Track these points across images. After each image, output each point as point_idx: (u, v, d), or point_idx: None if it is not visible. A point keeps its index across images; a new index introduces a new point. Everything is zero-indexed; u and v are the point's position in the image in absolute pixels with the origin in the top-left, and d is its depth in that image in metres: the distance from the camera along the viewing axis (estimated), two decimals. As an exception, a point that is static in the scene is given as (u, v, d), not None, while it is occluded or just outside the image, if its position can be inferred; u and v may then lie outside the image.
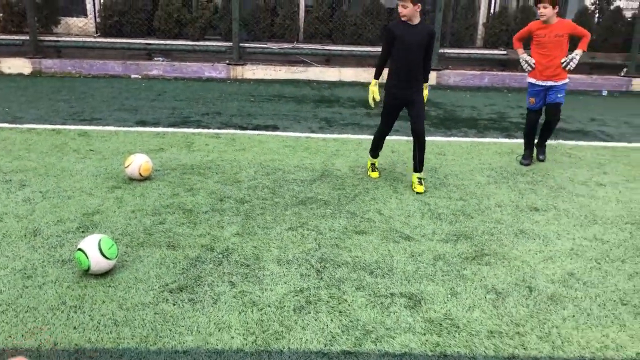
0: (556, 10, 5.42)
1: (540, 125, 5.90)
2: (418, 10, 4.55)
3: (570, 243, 3.93)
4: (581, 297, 3.21)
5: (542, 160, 5.92)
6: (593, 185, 5.19)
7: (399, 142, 6.39)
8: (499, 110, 8.68)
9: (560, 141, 6.78)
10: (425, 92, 4.92)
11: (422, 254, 3.69)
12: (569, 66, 5.43)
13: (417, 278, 3.36)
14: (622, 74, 11.10)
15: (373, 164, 5.31)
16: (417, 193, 4.76)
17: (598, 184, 5.21)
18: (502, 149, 6.38)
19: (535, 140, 5.95)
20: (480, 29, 12.35)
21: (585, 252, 3.79)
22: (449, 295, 3.18)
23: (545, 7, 5.36)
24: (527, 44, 5.69)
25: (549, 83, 5.55)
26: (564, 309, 3.08)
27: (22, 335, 2.69)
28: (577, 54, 5.44)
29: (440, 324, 2.90)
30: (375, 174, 5.22)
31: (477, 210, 4.47)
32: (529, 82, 5.71)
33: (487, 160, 5.87)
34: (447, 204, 4.59)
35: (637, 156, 6.24)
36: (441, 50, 11.14)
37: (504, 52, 11.43)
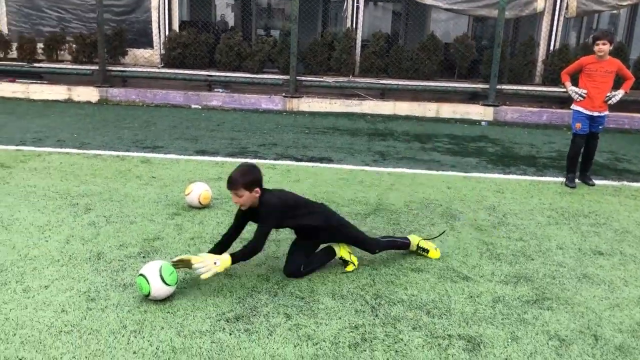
0: (611, 48, 6.06)
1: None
2: (257, 195, 3.65)
3: (638, 291, 3.75)
4: (652, 350, 3.04)
5: (593, 185, 6.33)
6: (662, 230, 4.96)
7: (455, 178, 6.32)
8: (558, 148, 8.46)
9: (625, 182, 6.54)
10: None
11: (481, 295, 3.59)
12: (610, 101, 6.07)
13: (476, 320, 3.27)
14: (691, 114, 10.68)
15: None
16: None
17: (667, 229, 4.97)
18: (563, 189, 6.20)
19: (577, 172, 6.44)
20: (540, 66, 12.17)
21: (655, 301, 3.60)
22: (509, 340, 3.08)
23: (605, 44, 5.98)
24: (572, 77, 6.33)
25: (594, 113, 6.15)
26: (633, 361, 2.93)
27: (86, 357, 2.77)
28: (620, 93, 6.10)
29: (501, 370, 2.80)
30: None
31: (537, 252, 4.34)
32: (575, 110, 6.29)
33: (547, 200, 5.71)
34: (507, 244, 4.48)
35: None
36: (499, 87, 11.02)
37: (564, 90, 11.18)
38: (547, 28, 12.19)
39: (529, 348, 3.01)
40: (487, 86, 11.09)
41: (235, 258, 3.49)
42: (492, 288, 3.69)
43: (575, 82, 6.30)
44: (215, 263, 3.40)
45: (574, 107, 6.32)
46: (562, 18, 12.15)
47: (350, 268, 3.90)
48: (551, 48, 12.26)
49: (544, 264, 4.11)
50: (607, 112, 6.24)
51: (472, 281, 3.78)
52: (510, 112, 10.93)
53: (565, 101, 11.33)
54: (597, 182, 6.52)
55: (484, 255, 4.24)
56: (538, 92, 11.43)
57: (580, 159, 6.42)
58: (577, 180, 6.37)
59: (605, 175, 6.89)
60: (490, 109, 10.90)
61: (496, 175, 6.60)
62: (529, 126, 10.47)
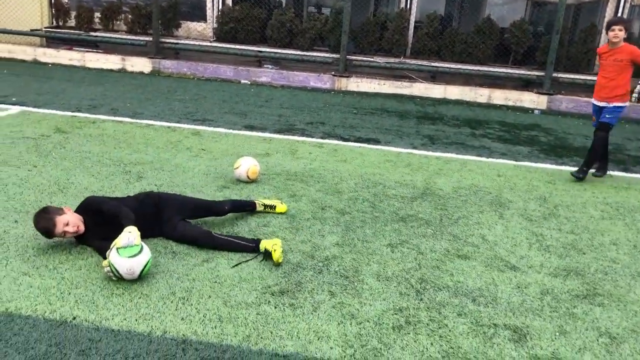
0: (625, 35, 5.61)
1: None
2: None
3: (696, 293, 3.60)
4: None
5: (600, 176, 5.96)
6: None
7: (506, 166, 6.17)
8: (615, 141, 8.14)
9: (686, 180, 6.25)
10: None
11: (529, 286, 3.52)
12: (634, 98, 5.62)
13: (523, 311, 3.21)
14: None
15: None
16: None
17: None
18: (619, 182, 5.98)
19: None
20: (599, 54, 11.69)
21: None
22: (557, 333, 3.01)
23: (620, 30, 5.55)
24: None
25: (602, 104, 5.79)
26: (688, 365, 2.82)
27: (136, 320, 2.85)
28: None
29: (548, 363, 2.75)
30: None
31: (589, 246, 4.21)
32: (592, 102, 6.03)
33: (601, 194, 5.52)
34: (557, 236, 4.36)
35: None
36: (555, 74, 10.66)
37: (625, 80, 10.72)
38: (611, 15, 11.66)
39: (577, 343, 2.94)
40: (542, 74, 10.73)
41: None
42: (541, 280, 3.61)
43: None
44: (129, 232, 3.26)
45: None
46: (628, 4, 11.60)
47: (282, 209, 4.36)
48: (613, 36, 11.71)
49: (596, 259, 3.99)
50: (620, 104, 5.70)
51: (520, 271, 3.71)
52: (566, 102, 10.57)
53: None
54: (655, 178, 6.26)
55: (533, 246, 4.14)
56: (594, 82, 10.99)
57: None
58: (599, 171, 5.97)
59: (664, 171, 6.61)
60: (545, 98, 10.56)
61: (548, 166, 6.42)
62: (585, 117, 10.09)
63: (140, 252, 3.19)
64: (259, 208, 4.34)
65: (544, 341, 2.93)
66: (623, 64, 5.60)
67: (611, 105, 5.72)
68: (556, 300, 3.37)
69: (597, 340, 2.98)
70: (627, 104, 5.80)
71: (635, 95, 5.62)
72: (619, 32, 5.54)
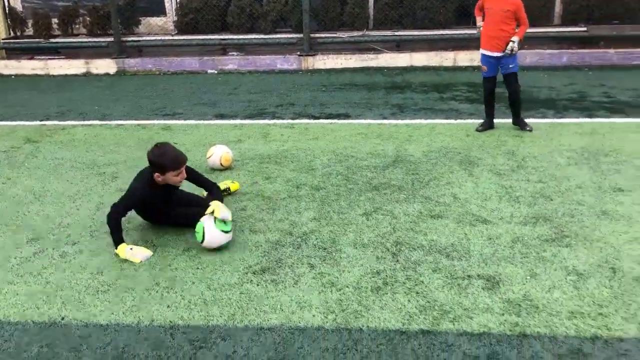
0: None
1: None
2: None
3: (658, 224, 3.77)
4: (670, 279, 3.10)
5: (530, 131, 6.03)
6: (684, 164, 4.92)
7: (474, 125, 6.30)
8: (580, 89, 8.32)
9: (648, 119, 6.44)
10: None
11: (500, 236, 3.66)
12: (511, 53, 5.79)
13: (495, 260, 3.36)
14: None
15: None
16: None
17: (690, 163, 4.93)
18: (583, 129, 6.14)
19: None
20: (558, 6, 11.82)
21: (674, 233, 3.63)
22: (528, 277, 3.16)
23: None
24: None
25: (496, 54, 5.84)
26: (651, 291, 2.99)
27: (123, 313, 2.94)
28: (515, 40, 5.73)
29: (519, 305, 2.89)
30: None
31: (556, 192, 4.37)
32: (480, 53, 6.03)
33: (566, 141, 5.68)
34: (526, 186, 4.51)
35: None
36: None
37: (584, 29, 10.90)
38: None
39: (547, 283, 3.09)
40: (504, 30, 10.83)
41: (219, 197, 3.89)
42: (511, 229, 3.76)
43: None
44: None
45: (480, 50, 6.00)
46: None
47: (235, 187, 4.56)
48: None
49: (563, 204, 4.15)
50: (504, 52, 5.79)
51: (491, 224, 3.85)
52: (530, 56, 10.70)
53: (585, 41, 11.07)
54: (619, 120, 6.44)
55: (503, 198, 4.29)
56: (557, 33, 11.15)
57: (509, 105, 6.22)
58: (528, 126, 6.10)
59: (628, 113, 6.78)
60: (509, 54, 10.69)
61: (515, 120, 6.55)
62: (549, 69, 10.26)
63: (230, 230, 3.56)
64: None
65: (516, 286, 3.08)
66: (509, 15, 5.69)
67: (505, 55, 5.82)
68: (526, 247, 3.52)
69: (565, 278, 3.14)
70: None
71: (509, 48, 5.69)
72: None
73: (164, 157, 3.61)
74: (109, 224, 3.61)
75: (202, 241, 3.51)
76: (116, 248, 3.55)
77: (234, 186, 4.57)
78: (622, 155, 5.20)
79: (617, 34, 10.75)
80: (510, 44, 5.75)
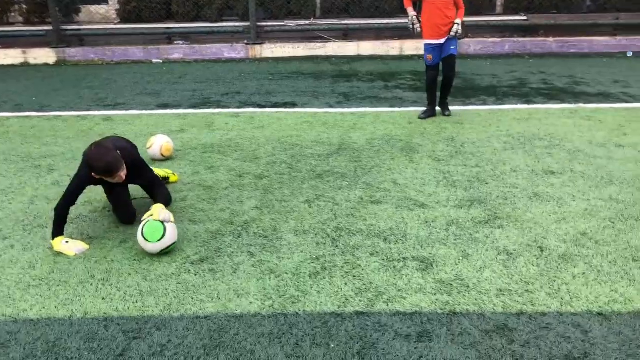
0: None
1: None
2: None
3: (584, 204, 3.95)
4: (592, 255, 3.25)
5: (449, 115, 6.31)
6: (612, 146, 5.15)
7: (417, 113, 6.41)
8: (520, 76, 8.58)
9: (581, 104, 6.70)
10: None
11: (436, 220, 3.76)
12: (456, 35, 5.92)
13: (430, 243, 3.44)
14: (649, 34, 10.79)
15: None
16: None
17: (617, 146, 5.17)
18: (521, 115, 6.35)
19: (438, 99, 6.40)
20: (501, -5, 12.12)
21: (599, 212, 3.81)
22: (461, 258, 3.26)
23: None
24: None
25: (441, 40, 5.97)
26: (574, 267, 3.13)
27: (55, 307, 2.88)
28: (458, 22, 5.89)
29: (451, 285, 2.98)
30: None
31: (492, 176, 4.51)
32: (425, 43, 6.09)
33: (505, 127, 5.86)
34: (463, 171, 4.63)
35: (660, 116, 6.14)
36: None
37: (525, 18, 11.22)
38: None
39: (478, 264, 3.19)
40: (449, 19, 11.02)
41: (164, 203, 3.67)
42: (447, 212, 3.86)
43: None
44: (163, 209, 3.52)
45: (424, 41, 6.07)
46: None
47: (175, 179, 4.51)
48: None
49: (497, 187, 4.29)
50: (449, 36, 5.95)
51: (428, 208, 3.94)
52: (473, 44, 10.95)
53: (526, 29, 11.40)
54: (555, 106, 6.69)
55: (441, 183, 4.39)
56: (499, 22, 11.44)
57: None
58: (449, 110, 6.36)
59: (562, 99, 7.04)
60: (453, 43, 10.89)
61: (457, 108, 6.70)
62: (492, 57, 10.53)
63: (159, 240, 3.32)
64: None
65: (449, 266, 3.17)
66: (450, 1, 5.85)
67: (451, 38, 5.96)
68: (460, 229, 3.62)
69: (496, 258, 3.25)
70: None
71: (454, 31, 5.87)
72: None
73: (97, 162, 3.42)
74: (55, 211, 3.51)
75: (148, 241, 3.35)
76: (52, 239, 3.46)
77: (173, 177, 4.51)
78: (555, 139, 5.41)
79: (554, 23, 11.13)
80: (455, 26, 5.89)
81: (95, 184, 3.65)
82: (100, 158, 3.42)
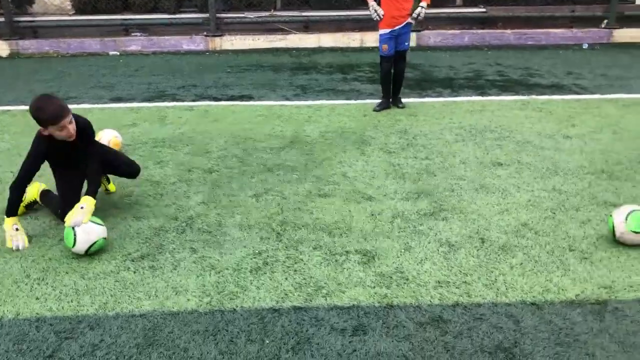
0: None
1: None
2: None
3: (528, 195, 4.02)
4: (531, 246, 3.31)
5: (403, 107, 6.34)
6: (560, 137, 5.25)
7: (372, 106, 6.42)
8: (477, 68, 8.67)
9: (533, 96, 6.81)
10: None
11: (382, 212, 3.77)
12: (419, 17, 5.98)
13: (374, 235, 3.46)
14: (603, 26, 11.02)
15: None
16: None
17: (565, 137, 5.27)
18: (474, 107, 6.41)
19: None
20: (460, -13, 12.21)
21: (541, 203, 3.88)
22: (403, 250, 3.28)
23: None
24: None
25: (396, 29, 5.98)
26: (513, 258, 3.18)
27: (-14, 308, 2.80)
28: (423, 6, 5.93)
29: (391, 277, 3.00)
30: None
31: (441, 168, 4.54)
32: (381, 33, 6.06)
33: (457, 119, 5.91)
34: (413, 163, 4.66)
35: (608, 107, 6.28)
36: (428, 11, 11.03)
37: (484, 10, 11.34)
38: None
39: (420, 256, 3.22)
40: (409, 12, 11.07)
41: (93, 192, 3.47)
42: (393, 205, 3.88)
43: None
44: (82, 207, 3.34)
45: (379, 30, 6.05)
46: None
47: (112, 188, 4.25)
48: (471, -31, 12.25)
49: (445, 179, 4.33)
50: (409, 20, 5.98)
51: (375, 200, 3.96)
52: (433, 36, 11.02)
53: (485, 21, 11.53)
54: (508, 97, 6.78)
55: (390, 175, 4.41)
56: (459, 14, 11.53)
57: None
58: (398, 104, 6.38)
59: (516, 91, 7.14)
60: (413, 35, 10.95)
61: (412, 100, 6.74)
62: (452, 49, 10.61)
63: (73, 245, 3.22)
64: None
65: (390, 259, 3.19)
66: None
67: (404, 24, 5.98)
68: (405, 221, 3.64)
69: (438, 250, 3.29)
70: None
71: (417, 13, 5.92)
72: None
73: (41, 112, 3.32)
74: (9, 190, 3.45)
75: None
76: (7, 217, 3.42)
77: (110, 187, 4.23)
78: (505, 131, 5.49)
79: (512, 15, 11.28)
80: (419, 9, 5.92)
81: (49, 156, 3.54)
82: (44, 107, 3.33)
